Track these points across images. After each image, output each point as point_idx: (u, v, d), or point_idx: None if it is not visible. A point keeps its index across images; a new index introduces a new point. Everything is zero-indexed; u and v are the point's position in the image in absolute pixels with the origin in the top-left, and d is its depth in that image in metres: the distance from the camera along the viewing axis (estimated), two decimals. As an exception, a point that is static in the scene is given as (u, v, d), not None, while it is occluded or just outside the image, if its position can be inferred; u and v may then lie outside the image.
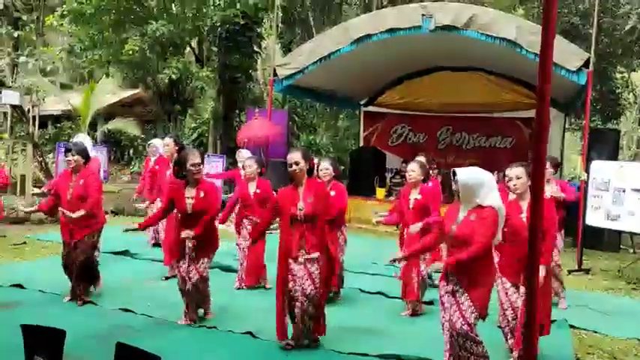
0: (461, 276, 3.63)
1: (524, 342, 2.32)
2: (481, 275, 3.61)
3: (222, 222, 6.26)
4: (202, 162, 5.08)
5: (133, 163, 18.68)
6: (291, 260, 4.40)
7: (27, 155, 11.94)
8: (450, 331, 3.68)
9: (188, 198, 4.86)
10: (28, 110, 16.20)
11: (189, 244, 4.90)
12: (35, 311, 5.08)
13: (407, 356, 4.37)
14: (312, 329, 4.48)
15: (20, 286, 5.92)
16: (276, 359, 4.32)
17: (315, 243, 4.39)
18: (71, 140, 7.55)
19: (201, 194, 4.88)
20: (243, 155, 7.94)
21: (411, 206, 5.49)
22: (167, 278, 6.64)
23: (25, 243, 8.39)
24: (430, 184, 6.01)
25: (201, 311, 5.20)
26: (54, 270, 6.36)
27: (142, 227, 5.25)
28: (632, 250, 9.66)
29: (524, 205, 4.15)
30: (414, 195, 5.52)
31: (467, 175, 3.68)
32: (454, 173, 3.74)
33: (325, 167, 5.82)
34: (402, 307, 5.72)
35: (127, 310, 5.29)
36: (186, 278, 4.94)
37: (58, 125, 19.19)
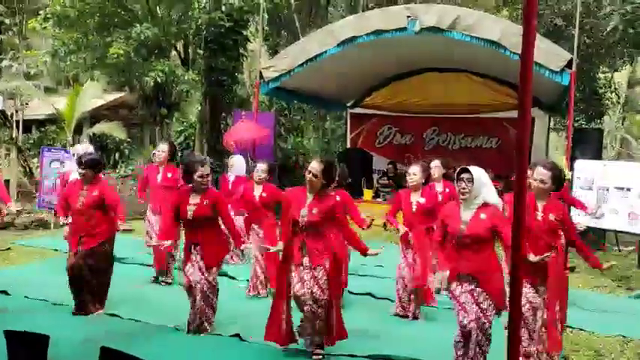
0: (476, 275, 3.71)
1: (509, 340, 2.33)
2: (493, 271, 3.72)
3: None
4: (211, 171, 5.03)
5: (119, 167, 18.53)
6: (294, 266, 4.35)
7: (11, 160, 11.81)
8: (471, 330, 3.70)
9: (191, 205, 4.80)
10: (12, 115, 16.02)
11: (195, 251, 4.83)
12: (20, 317, 5.02)
13: (396, 357, 4.38)
14: (326, 333, 4.38)
15: (5, 292, 5.85)
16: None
17: (321, 249, 4.32)
18: (71, 147, 7.46)
19: (205, 202, 4.80)
20: (236, 161, 7.92)
21: (414, 210, 5.49)
22: (155, 278, 6.65)
23: (9, 249, 8.30)
24: (447, 189, 6.01)
25: None
26: (40, 276, 6.31)
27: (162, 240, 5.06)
28: (616, 248, 9.76)
29: (541, 205, 4.11)
30: (416, 198, 5.51)
31: (478, 172, 3.78)
32: (465, 170, 3.77)
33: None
34: (392, 307, 5.74)
35: (114, 315, 5.26)
36: (194, 285, 4.82)
37: (43, 129, 18.99)
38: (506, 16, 15.75)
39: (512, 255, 2.22)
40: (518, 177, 2.22)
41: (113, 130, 17.03)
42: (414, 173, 5.52)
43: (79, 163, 5.45)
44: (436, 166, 6.26)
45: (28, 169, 13.16)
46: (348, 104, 14.51)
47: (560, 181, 4.16)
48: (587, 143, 10.03)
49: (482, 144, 13.64)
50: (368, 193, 11.87)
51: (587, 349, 4.87)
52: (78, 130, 16.58)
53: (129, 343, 4.22)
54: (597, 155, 9.93)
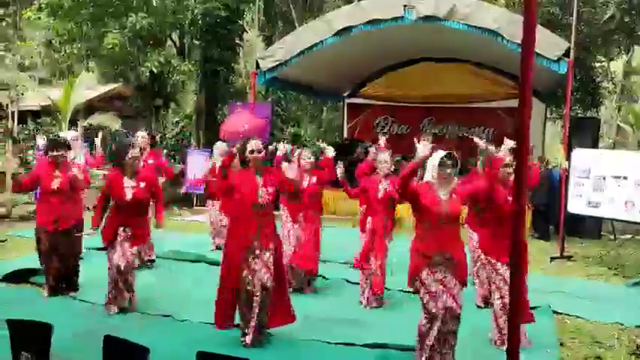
0: (452, 253, 3.75)
1: (509, 326, 2.35)
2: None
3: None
4: (142, 151, 5.34)
5: (114, 158, 18.48)
6: (246, 250, 4.32)
7: (6, 151, 11.75)
8: (447, 317, 3.73)
9: (128, 187, 5.01)
10: (7, 106, 15.92)
11: (121, 231, 5.06)
12: (20, 308, 5.02)
13: (393, 345, 4.40)
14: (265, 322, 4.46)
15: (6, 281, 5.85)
16: (270, 350, 4.34)
17: (270, 232, 4.40)
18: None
19: (141, 184, 5.06)
20: (222, 148, 7.92)
21: (380, 196, 5.52)
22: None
23: (5, 240, 8.28)
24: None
25: None
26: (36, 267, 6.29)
27: (95, 226, 5.26)
28: (612, 237, 9.81)
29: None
30: (384, 185, 5.54)
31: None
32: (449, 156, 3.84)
33: (307, 156, 6.04)
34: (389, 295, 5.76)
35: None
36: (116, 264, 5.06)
37: (38, 120, 18.89)
38: (503, 5, 15.71)
39: (513, 238, 2.24)
40: (519, 162, 2.23)
41: (108, 121, 16.96)
42: (385, 161, 5.58)
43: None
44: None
45: (23, 160, 13.10)
46: (345, 94, 14.48)
47: None
48: (584, 132, 10.05)
49: (478, 134, 13.64)
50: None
51: (584, 336, 4.92)
52: (73, 121, 16.51)
53: (130, 332, 4.22)
54: (594, 144, 9.96)
